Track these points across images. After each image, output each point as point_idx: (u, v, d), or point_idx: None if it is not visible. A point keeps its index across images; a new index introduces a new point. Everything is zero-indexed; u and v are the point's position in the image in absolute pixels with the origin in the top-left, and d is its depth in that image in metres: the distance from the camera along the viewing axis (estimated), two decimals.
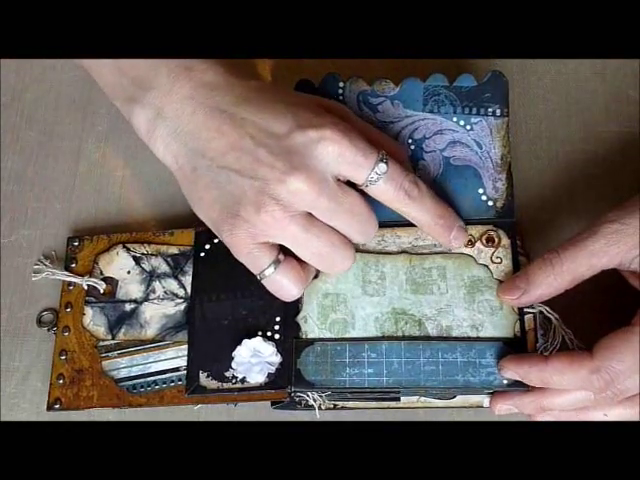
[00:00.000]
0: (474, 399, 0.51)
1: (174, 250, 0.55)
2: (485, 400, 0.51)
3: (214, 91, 0.49)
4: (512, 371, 0.47)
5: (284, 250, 0.49)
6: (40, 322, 0.56)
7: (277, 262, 0.48)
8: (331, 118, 0.48)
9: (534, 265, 0.48)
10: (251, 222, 0.47)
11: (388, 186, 0.48)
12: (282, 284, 0.49)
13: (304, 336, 0.50)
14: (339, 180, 0.48)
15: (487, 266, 0.51)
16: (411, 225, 0.51)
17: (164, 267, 0.55)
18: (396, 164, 0.48)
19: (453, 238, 0.50)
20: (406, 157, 0.52)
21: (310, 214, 0.47)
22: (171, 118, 0.49)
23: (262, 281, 0.49)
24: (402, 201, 0.48)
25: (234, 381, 0.50)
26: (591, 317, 0.51)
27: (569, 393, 0.47)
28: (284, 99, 0.49)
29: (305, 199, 0.46)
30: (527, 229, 0.54)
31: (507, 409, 0.49)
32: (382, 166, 0.47)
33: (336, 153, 0.47)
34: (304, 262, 0.49)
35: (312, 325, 0.50)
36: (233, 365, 0.50)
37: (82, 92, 0.63)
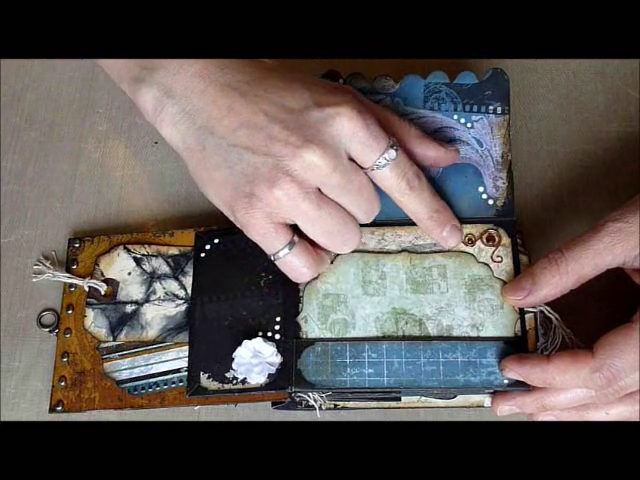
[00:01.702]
0: (475, 399, 0.51)
1: (174, 251, 0.55)
2: (486, 400, 0.51)
3: (225, 69, 0.48)
4: (514, 371, 0.47)
5: (298, 232, 0.49)
6: (41, 323, 0.56)
7: (292, 243, 0.48)
8: (348, 96, 0.48)
9: (539, 265, 0.48)
10: (265, 200, 0.46)
11: (393, 173, 0.48)
12: (295, 265, 0.49)
13: (304, 336, 0.50)
14: (350, 159, 0.48)
15: (488, 265, 0.51)
16: (412, 224, 0.51)
17: (164, 268, 0.55)
18: (404, 154, 0.49)
19: (446, 235, 0.50)
20: (418, 133, 0.51)
21: (320, 192, 0.47)
22: (180, 97, 0.48)
23: (276, 262, 0.49)
24: (402, 190, 0.49)
25: (235, 382, 0.50)
26: (591, 316, 0.51)
27: (570, 391, 0.47)
28: (298, 77, 0.49)
29: (319, 173, 0.46)
30: (528, 228, 0.54)
31: (509, 409, 0.49)
32: (392, 152, 0.48)
33: (350, 131, 0.46)
34: (317, 246, 0.49)
35: (312, 325, 0.50)
36: (234, 366, 0.50)
37: (82, 92, 0.63)
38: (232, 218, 0.49)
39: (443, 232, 0.50)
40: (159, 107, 0.49)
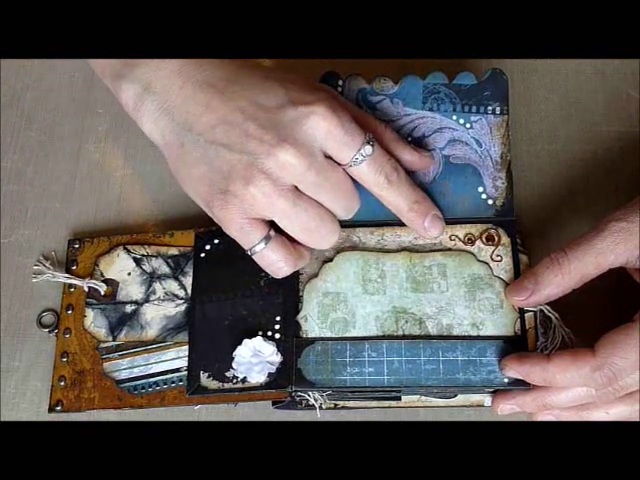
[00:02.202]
0: (475, 398, 0.51)
1: (174, 251, 0.55)
2: (486, 399, 0.51)
3: (204, 66, 0.49)
4: (514, 370, 0.47)
5: (276, 228, 0.49)
6: (41, 323, 0.56)
7: (268, 238, 0.48)
8: (324, 95, 0.48)
9: (541, 265, 0.48)
10: (240, 197, 0.47)
11: (370, 169, 0.48)
12: (272, 260, 0.49)
13: (304, 335, 0.50)
14: (326, 156, 0.48)
15: (487, 263, 0.51)
16: None
17: (164, 268, 0.55)
18: (381, 149, 0.49)
19: (428, 225, 0.50)
20: (393, 137, 0.51)
21: (297, 189, 0.48)
22: (159, 92, 0.49)
23: (253, 256, 0.49)
24: (381, 185, 0.49)
25: (235, 381, 0.50)
26: (591, 316, 0.51)
27: (570, 390, 0.47)
28: (276, 76, 0.49)
29: (294, 172, 0.46)
30: (527, 228, 0.54)
31: (509, 409, 0.49)
32: (368, 148, 0.48)
33: (325, 129, 0.47)
34: (296, 242, 0.49)
35: (312, 324, 0.50)
36: (234, 365, 0.50)
37: (82, 92, 0.63)
38: (210, 214, 0.49)
39: (425, 222, 0.50)
40: (139, 103, 0.49)
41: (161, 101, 0.49)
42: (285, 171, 0.46)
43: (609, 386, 0.45)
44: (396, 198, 0.50)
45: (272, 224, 0.49)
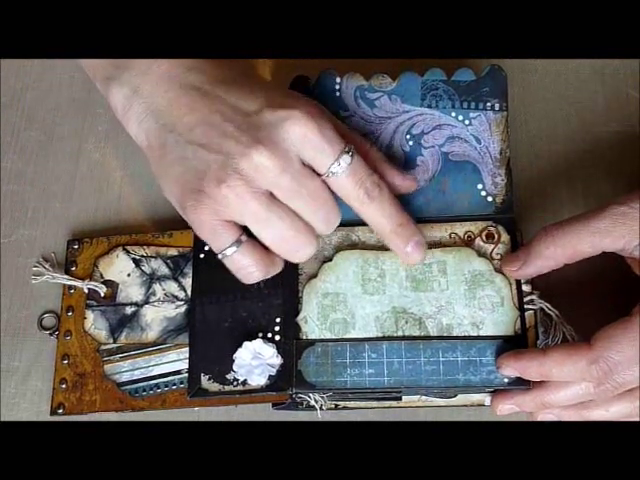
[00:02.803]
0: (475, 398, 0.51)
1: (173, 252, 0.55)
2: (487, 399, 0.51)
3: (190, 71, 0.49)
4: (511, 367, 0.47)
5: (249, 233, 0.48)
6: (41, 325, 0.56)
7: (239, 242, 0.47)
8: (305, 101, 0.48)
9: (535, 236, 0.48)
10: (213, 197, 0.46)
11: (349, 180, 0.47)
12: (242, 264, 0.48)
13: (304, 337, 0.50)
14: (304, 165, 0.47)
15: (488, 259, 0.50)
16: None
17: (164, 269, 0.55)
18: (362, 161, 0.48)
19: (410, 250, 0.49)
20: (378, 156, 0.51)
21: (273, 196, 0.47)
22: (146, 96, 0.49)
23: (223, 260, 0.48)
24: (360, 199, 0.47)
25: (235, 383, 0.50)
26: (592, 314, 0.51)
27: (569, 388, 0.47)
28: (262, 84, 0.50)
29: (268, 175, 0.46)
30: (527, 228, 0.54)
31: (509, 409, 0.49)
32: (346, 158, 0.47)
33: (302, 134, 0.46)
34: (270, 250, 0.48)
35: (312, 326, 0.50)
36: (234, 367, 0.49)
37: (82, 92, 0.62)
38: (184, 216, 0.49)
39: (407, 247, 0.49)
40: (127, 105, 0.50)
41: (148, 104, 0.49)
42: (259, 173, 0.46)
43: (606, 381, 0.45)
44: (377, 216, 0.48)
45: (245, 229, 0.48)
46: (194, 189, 0.47)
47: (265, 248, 0.48)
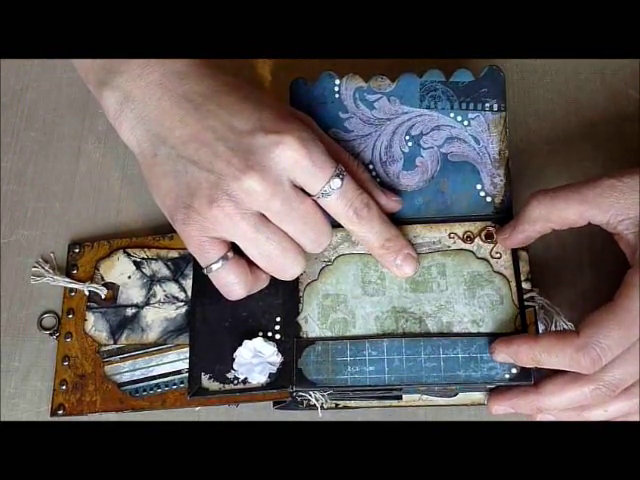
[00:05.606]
0: (476, 397, 0.51)
1: (174, 254, 0.55)
2: (487, 398, 0.51)
3: (184, 80, 0.49)
4: (504, 353, 0.47)
5: (237, 250, 0.49)
6: (41, 326, 0.56)
7: (225, 258, 0.48)
8: (297, 125, 0.48)
9: (525, 203, 0.48)
10: (203, 215, 0.47)
11: (339, 202, 0.48)
12: (226, 281, 0.49)
13: (305, 336, 0.50)
14: (296, 186, 0.48)
15: (487, 260, 0.51)
16: (410, 223, 0.52)
17: (164, 271, 0.55)
18: (352, 182, 0.48)
19: (399, 263, 0.50)
20: (365, 177, 0.51)
21: (264, 216, 0.47)
22: (138, 102, 0.49)
23: (208, 275, 0.49)
24: (350, 219, 0.49)
25: (236, 382, 0.50)
26: (593, 311, 0.51)
27: (564, 393, 0.47)
28: (254, 98, 0.49)
29: (258, 199, 0.46)
30: None
31: (504, 410, 0.49)
32: (337, 181, 0.47)
33: (292, 159, 0.47)
34: (256, 266, 0.49)
35: (313, 325, 0.50)
36: (234, 366, 0.50)
37: (82, 92, 0.62)
38: (173, 226, 0.49)
39: (396, 260, 0.50)
40: (119, 110, 0.50)
41: (139, 110, 0.49)
42: (249, 197, 0.46)
43: (592, 368, 0.44)
44: (366, 234, 0.49)
45: (233, 245, 0.48)
46: (185, 204, 0.47)
47: (251, 264, 0.49)
